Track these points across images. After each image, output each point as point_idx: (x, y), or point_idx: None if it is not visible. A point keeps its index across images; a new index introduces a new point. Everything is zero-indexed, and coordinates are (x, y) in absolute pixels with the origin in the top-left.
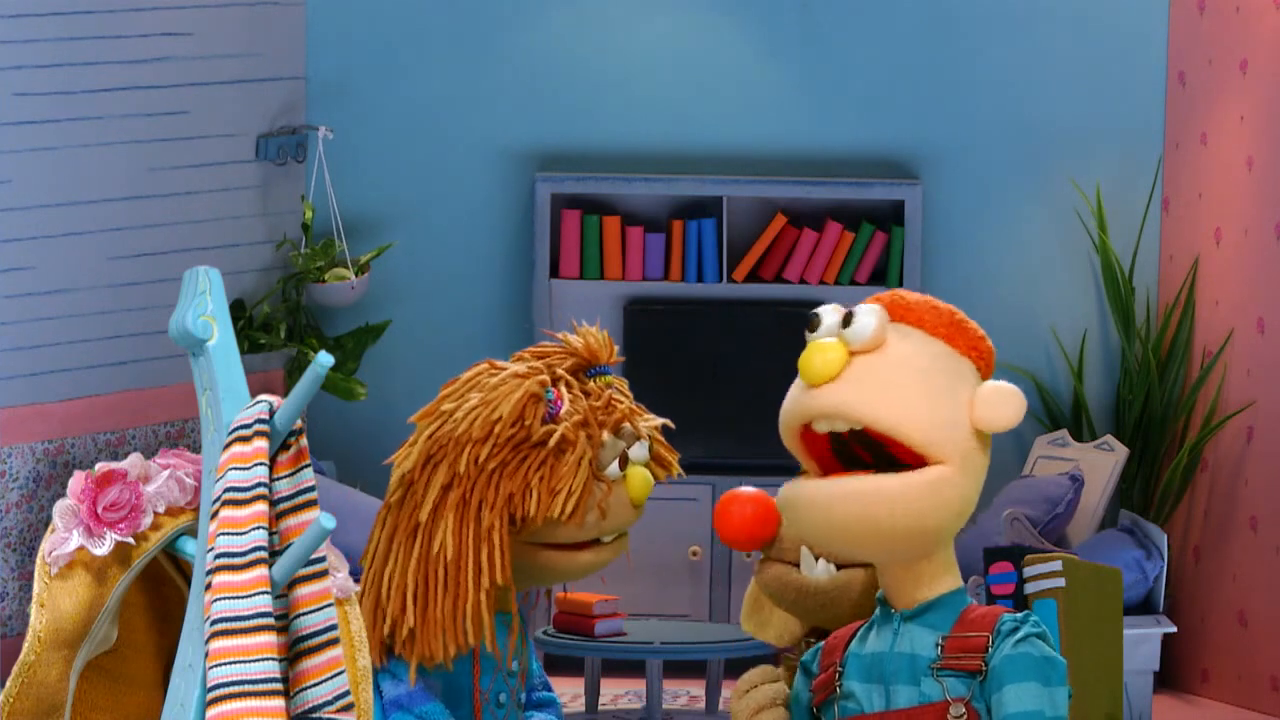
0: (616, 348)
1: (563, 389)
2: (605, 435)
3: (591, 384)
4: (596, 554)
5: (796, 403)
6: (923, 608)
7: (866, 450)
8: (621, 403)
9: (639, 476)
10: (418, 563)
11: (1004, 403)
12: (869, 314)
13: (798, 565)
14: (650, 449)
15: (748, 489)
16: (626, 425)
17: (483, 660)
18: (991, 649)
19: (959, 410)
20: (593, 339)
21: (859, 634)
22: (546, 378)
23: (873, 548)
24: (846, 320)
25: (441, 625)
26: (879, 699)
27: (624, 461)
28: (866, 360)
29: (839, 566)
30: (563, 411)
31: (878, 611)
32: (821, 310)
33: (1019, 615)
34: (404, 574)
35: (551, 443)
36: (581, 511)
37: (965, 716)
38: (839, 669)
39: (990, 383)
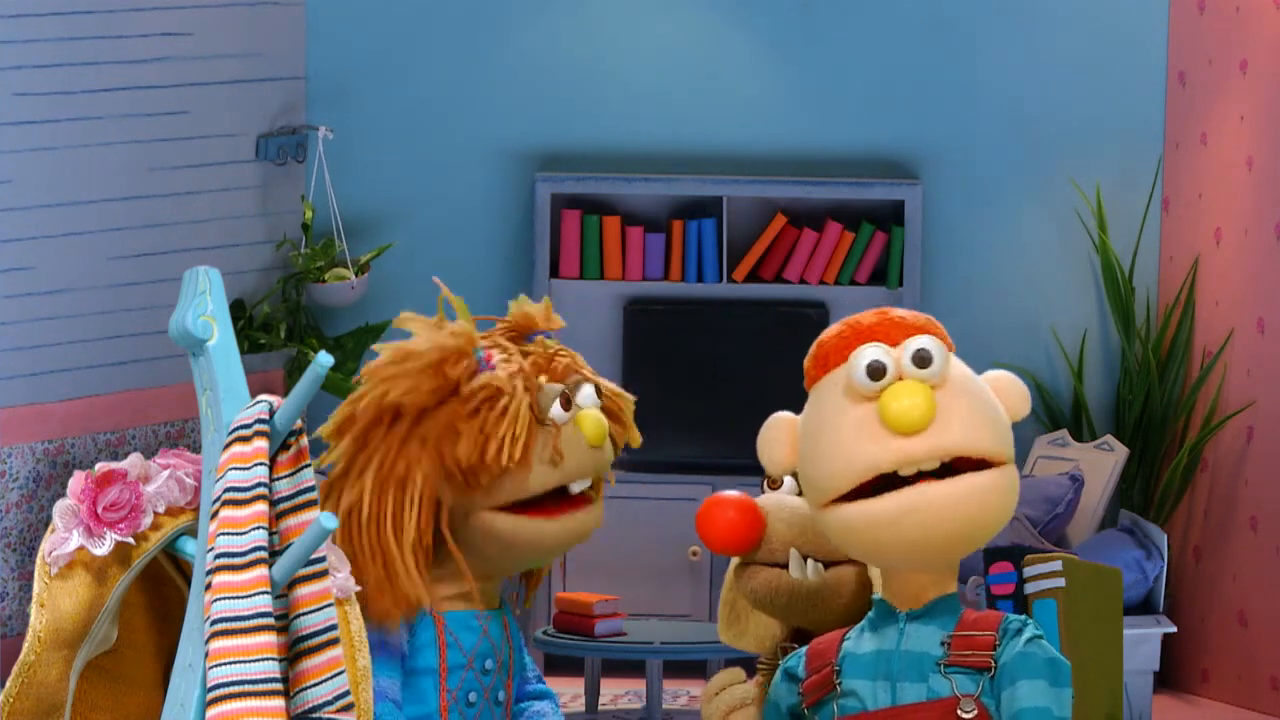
0: (557, 316)
1: (494, 351)
2: (542, 380)
3: (529, 346)
4: (564, 522)
5: (884, 452)
6: (927, 608)
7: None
8: (564, 357)
9: (589, 417)
10: (341, 531)
11: (1021, 390)
12: (935, 345)
13: (785, 567)
14: (601, 400)
15: (731, 493)
16: (570, 374)
17: (449, 658)
18: (1000, 647)
19: (1003, 411)
20: (528, 307)
21: (851, 635)
22: (472, 335)
23: (974, 544)
24: (921, 360)
25: (380, 590)
26: (885, 695)
27: (567, 403)
28: (945, 396)
29: (826, 565)
30: (496, 364)
31: (873, 612)
32: (874, 357)
33: (1021, 616)
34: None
35: (480, 388)
36: (529, 454)
37: (975, 712)
38: (836, 668)
39: (998, 374)
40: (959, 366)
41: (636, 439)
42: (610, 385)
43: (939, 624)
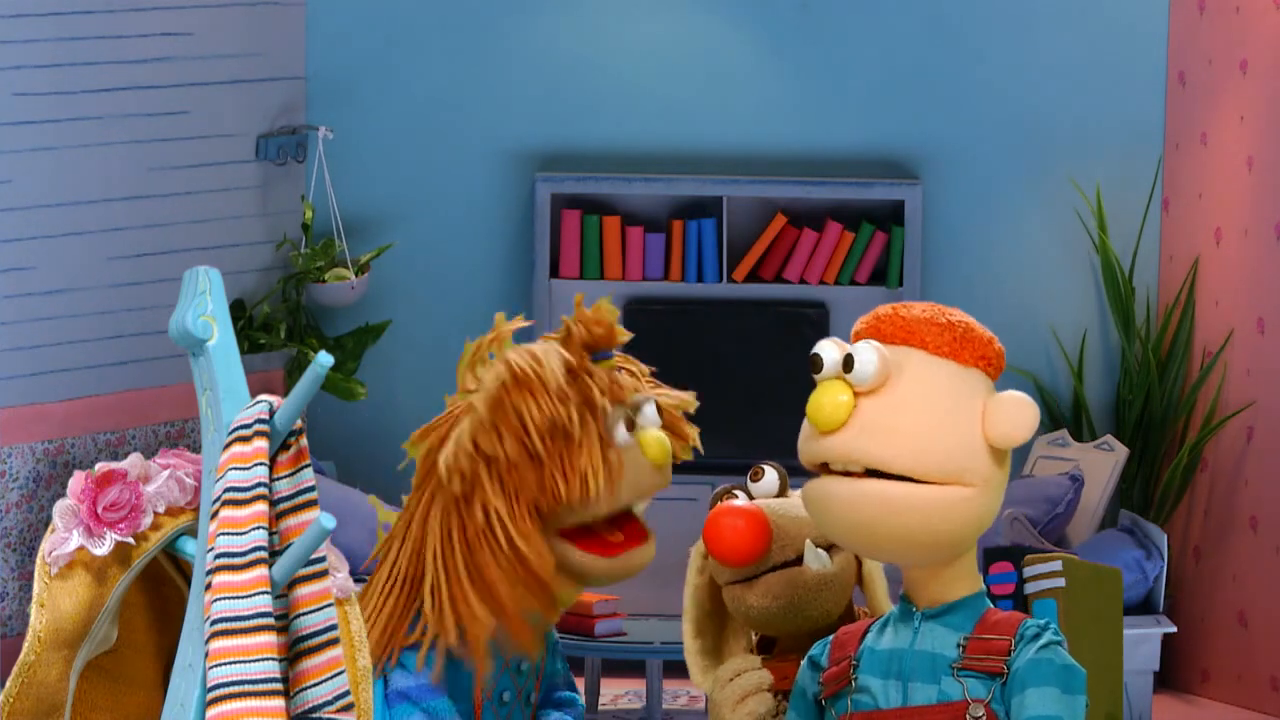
0: (619, 328)
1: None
2: (605, 404)
3: (597, 367)
4: (619, 560)
5: (809, 446)
6: (945, 608)
7: (888, 475)
8: (628, 374)
9: (651, 437)
10: (476, 570)
11: (1017, 416)
12: (869, 353)
13: (796, 563)
14: (661, 416)
15: (736, 503)
16: (630, 395)
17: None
18: (1014, 652)
19: (973, 434)
20: (594, 328)
21: (874, 629)
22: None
23: (889, 550)
24: (847, 363)
25: (523, 616)
26: (896, 695)
27: (631, 425)
28: (874, 403)
29: (827, 549)
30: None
31: (897, 608)
32: (821, 349)
33: (1040, 621)
34: (459, 582)
35: (547, 426)
36: (610, 482)
37: (984, 718)
38: (854, 663)
39: (1000, 395)
40: (923, 378)
41: (691, 446)
42: (669, 396)
43: (957, 625)
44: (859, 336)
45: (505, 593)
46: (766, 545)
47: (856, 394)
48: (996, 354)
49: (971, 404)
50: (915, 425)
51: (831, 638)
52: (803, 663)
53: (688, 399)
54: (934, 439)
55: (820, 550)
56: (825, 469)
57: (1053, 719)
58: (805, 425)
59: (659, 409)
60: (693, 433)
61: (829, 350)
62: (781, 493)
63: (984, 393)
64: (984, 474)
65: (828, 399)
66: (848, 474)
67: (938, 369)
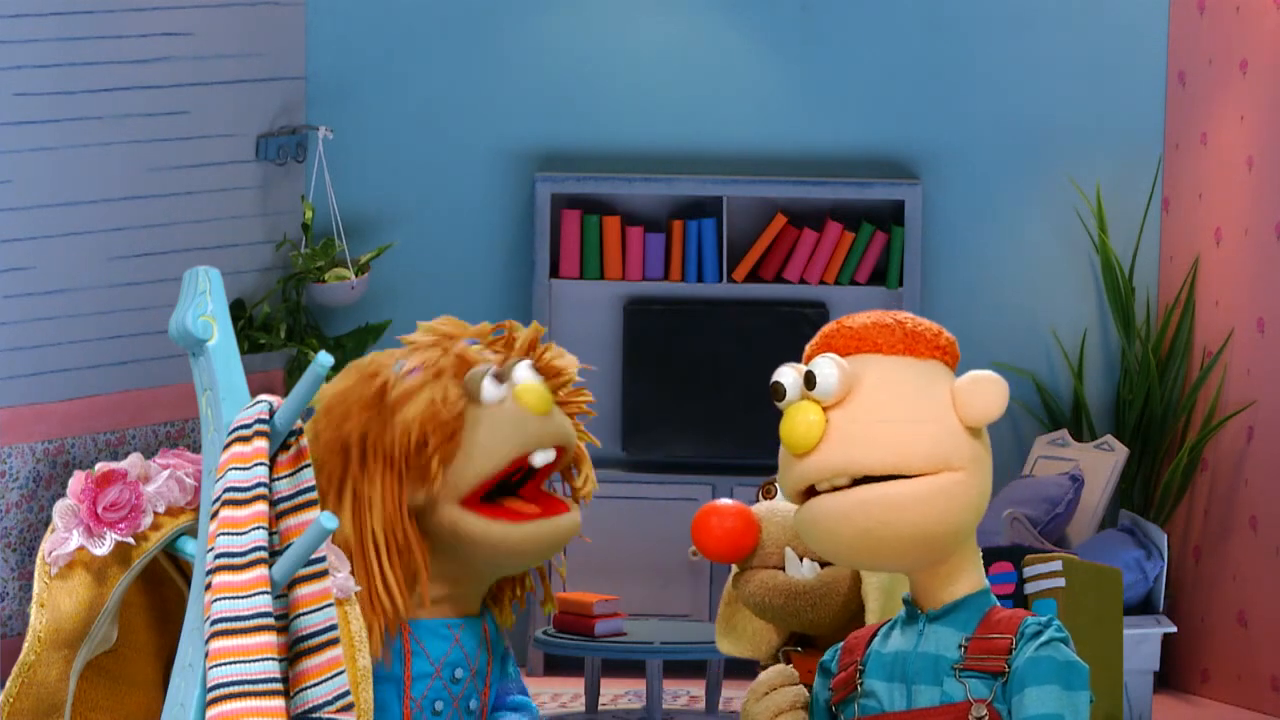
0: (558, 353)
1: (415, 357)
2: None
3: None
4: (535, 527)
5: (791, 474)
6: (947, 608)
7: (877, 480)
8: (501, 347)
9: (526, 388)
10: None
11: (988, 392)
12: (828, 366)
13: (782, 569)
14: (542, 368)
15: (725, 501)
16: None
17: (415, 666)
18: (1015, 651)
19: (948, 418)
20: (517, 333)
21: (881, 633)
22: (388, 365)
23: (891, 554)
24: (809, 380)
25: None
26: (901, 698)
27: (499, 380)
28: (844, 413)
29: (822, 565)
30: (420, 370)
31: (903, 611)
32: (780, 376)
33: (1042, 619)
34: None
35: (395, 393)
36: (471, 435)
37: (987, 718)
38: (860, 667)
39: (966, 376)
40: (885, 377)
41: (584, 403)
42: (552, 358)
43: (959, 625)
44: (809, 358)
45: (378, 563)
46: (750, 544)
47: (825, 409)
48: (948, 343)
49: (937, 390)
50: (889, 423)
51: (842, 644)
52: (817, 670)
53: (569, 364)
54: (912, 431)
55: (804, 560)
56: (810, 492)
57: (1053, 716)
58: (782, 455)
59: (540, 369)
60: (567, 375)
61: (787, 374)
62: None
63: (947, 379)
64: (968, 454)
65: (798, 421)
66: (834, 491)
67: (896, 366)
